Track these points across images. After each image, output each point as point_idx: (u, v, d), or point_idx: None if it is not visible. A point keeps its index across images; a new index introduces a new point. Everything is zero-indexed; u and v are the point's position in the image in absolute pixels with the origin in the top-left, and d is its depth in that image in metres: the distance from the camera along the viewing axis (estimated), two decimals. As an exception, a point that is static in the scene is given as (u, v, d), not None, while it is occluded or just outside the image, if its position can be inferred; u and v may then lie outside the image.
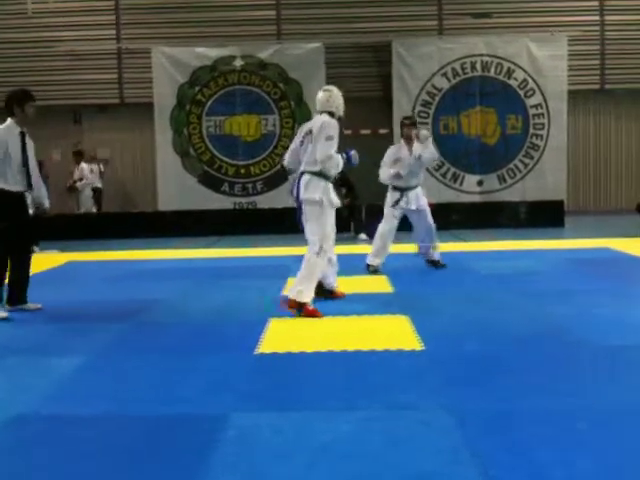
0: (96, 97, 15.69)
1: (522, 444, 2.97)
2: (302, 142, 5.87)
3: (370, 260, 7.70)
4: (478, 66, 14.83)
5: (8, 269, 6.00)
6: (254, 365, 4.32)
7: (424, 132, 7.95)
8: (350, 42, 15.35)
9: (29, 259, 6.19)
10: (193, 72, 14.73)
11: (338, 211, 6.05)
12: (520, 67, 14.76)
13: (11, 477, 2.83)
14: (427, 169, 14.67)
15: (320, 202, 5.67)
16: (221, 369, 4.21)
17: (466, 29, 15.25)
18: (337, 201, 5.89)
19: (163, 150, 14.80)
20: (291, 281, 7.00)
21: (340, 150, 5.81)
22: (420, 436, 3.09)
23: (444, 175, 14.81)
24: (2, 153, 5.80)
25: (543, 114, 14.82)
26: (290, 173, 6.47)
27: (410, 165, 7.61)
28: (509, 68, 14.79)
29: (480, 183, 14.87)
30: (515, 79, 14.79)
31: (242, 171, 14.93)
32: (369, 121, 14.76)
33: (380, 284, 7.06)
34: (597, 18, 15.54)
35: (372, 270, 7.63)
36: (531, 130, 14.84)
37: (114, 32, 15.70)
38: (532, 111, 14.83)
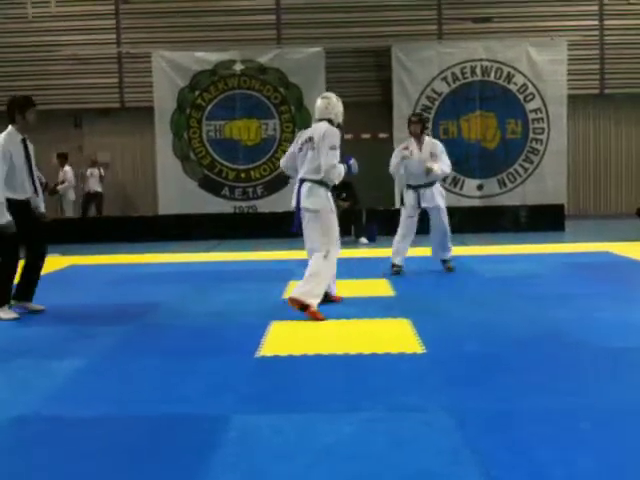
0: (97, 101, 15.72)
1: (523, 443, 2.98)
2: (301, 149, 5.87)
3: (393, 260, 7.77)
4: (478, 71, 14.87)
5: (18, 270, 6.06)
6: (255, 367, 4.32)
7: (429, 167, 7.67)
8: (350, 47, 15.39)
9: (42, 262, 6.24)
10: (193, 76, 14.76)
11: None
12: (520, 72, 14.80)
13: (12, 477, 2.83)
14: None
15: (323, 210, 5.72)
16: (222, 371, 4.21)
17: (466, 34, 15.30)
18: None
19: (163, 154, 14.82)
20: (293, 284, 7.02)
21: (340, 157, 5.82)
22: (422, 437, 3.10)
23: (444, 179, 14.74)
24: (7, 162, 5.78)
25: (543, 118, 14.85)
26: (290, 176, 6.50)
27: (419, 162, 7.58)
28: (509, 73, 14.83)
29: (480, 187, 14.89)
30: (515, 84, 14.83)
31: (242, 175, 14.95)
32: (369, 126, 14.79)
33: (381, 287, 7.07)
34: (596, 23, 15.59)
35: (395, 270, 7.68)
36: (531, 134, 14.87)
37: (115, 36, 15.74)
38: (532, 115, 14.86)
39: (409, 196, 7.74)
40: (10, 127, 5.92)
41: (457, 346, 4.70)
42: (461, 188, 14.88)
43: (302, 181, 5.80)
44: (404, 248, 7.77)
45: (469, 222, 12.58)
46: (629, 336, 4.85)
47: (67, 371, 4.30)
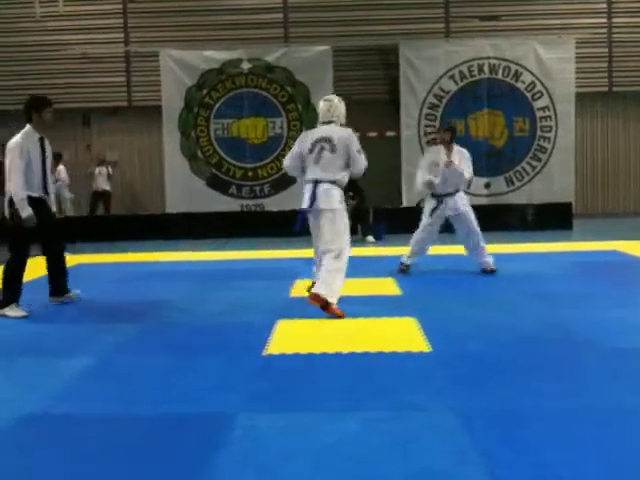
0: (105, 100, 15.77)
1: (529, 444, 2.98)
2: (311, 150, 5.88)
3: (404, 259, 7.75)
4: (485, 69, 14.82)
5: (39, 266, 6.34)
6: (262, 366, 4.33)
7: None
8: (357, 45, 15.37)
9: (62, 254, 6.43)
10: (201, 75, 14.77)
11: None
12: (528, 70, 14.74)
13: (19, 476, 2.86)
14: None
15: (339, 210, 5.82)
16: (229, 370, 4.23)
17: (473, 32, 15.25)
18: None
19: (171, 153, 14.85)
20: (300, 283, 7.04)
21: None
22: (427, 436, 3.10)
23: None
24: (25, 160, 5.91)
25: (551, 116, 14.79)
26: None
27: (446, 171, 7.52)
28: (516, 71, 14.77)
29: (487, 185, 14.85)
30: (522, 82, 14.78)
31: (250, 174, 14.97)
32: (376, 124, 14.78)
33: (388, 286, 7.08)
34: (605, 20, 15.52)
35: (402, 269, 7.70)
36: (539, 132, 14.81)
37: (122, 35, 15.78)
38: (539, 113, 14.80)
39: (431, 204, 7.66)
40: (28, 126, 6.05)
41: (463, 345, 4.69)
42: (468, 186, 14.80)
43: (316, 182, 5.82)
44: (420, 251, 7.73)
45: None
46: (635, 336, 4.83)
47: (74, 369, 4.32)
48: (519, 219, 13.01)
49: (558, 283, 7.08)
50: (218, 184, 14.90)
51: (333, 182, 5.81)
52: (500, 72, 14.79)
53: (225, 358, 4.50)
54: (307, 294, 5.86)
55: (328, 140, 5.83)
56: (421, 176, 7.67)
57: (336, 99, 6.10)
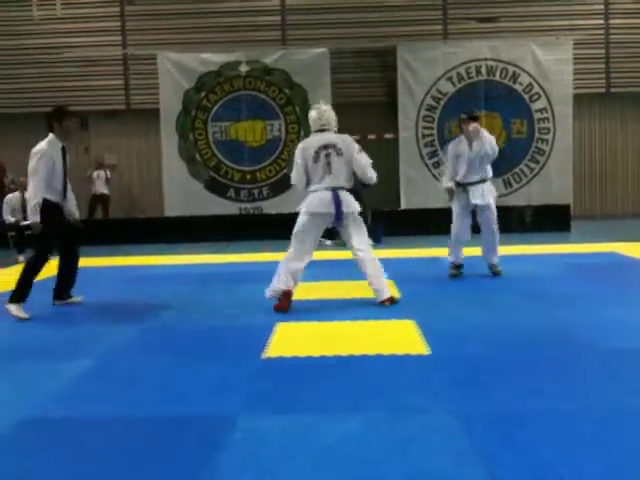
0: (103, 103, 15.78)
1: (528, 445, 2.99)
2: (316, 159, 5.92)
3: (451, 260, 7.70)
4: (483, 70, 14.85)
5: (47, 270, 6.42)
6: (261, 369, 4.34)
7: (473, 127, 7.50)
8: (355, 47, 15.39)
9: (76, 261, 6.59)
10: (199, 78, 14.79)
11: None
12: (525, 71, 14.78)
13: (20, 478, 2.86)
14: (432, 174, 14.82)
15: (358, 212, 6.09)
16: (228, 372, 4.24)
17: (471, 33, 15.28)
18: None
19: (169, 156, 14.86)
20: (299, 285, 7.04)
21: None
22: (426, 438, 3.11)
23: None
24: (51, 167, 6.13)
25: (548, 118, 14.82)
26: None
27: (470, 160, 7.42)
28: (514, 72, 14.81)
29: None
30: (520, 83, 14.81)
31: (248, 177, 14.97)
32: (374, 126, 14.79)
33: (386, 288, 7.07)
34: (602, 22, 15.55)
35: (452, 274, 7.64)
36: (536, 134, 14.85)
37: (120, 38, 15.79)
38: (537, 115, 14.83)
39: (459, 194, 7.58)
40: (51, 135, 6.26)
41: (462, 347, 4.70)
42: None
43: (336, 189, 5.94)
44: (457, 249, 7.65)
45: (474, 222, 12.56)
46: (633, 337, 4.84)
47: (74, 372, 4.33)
48: (517, 221, 13.02)
49: (557, 284, 7.09)
50: (216, 187, 14.91)
51: (346, 188, 6.04)
52: (498, 74, 14.82)
53: (225, 360, 4.51)
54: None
55: (332, 146, 5.93)
56: (446, 178, 7.67)
57: (324, 106, 6.16)
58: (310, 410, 3.53)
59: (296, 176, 6.07)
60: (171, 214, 14.37)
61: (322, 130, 6.05)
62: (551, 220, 12.95)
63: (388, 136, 14.84)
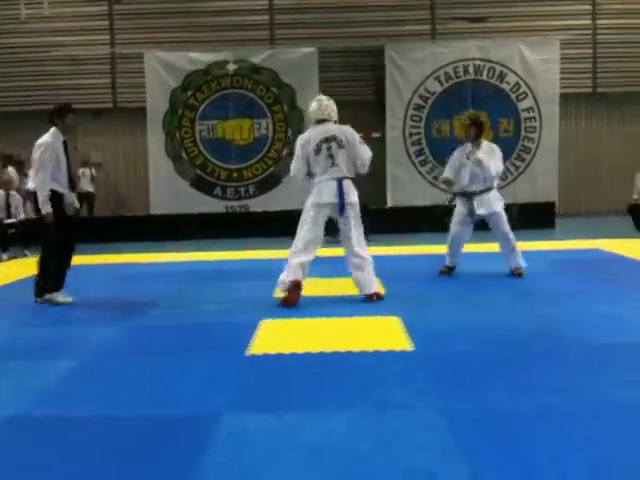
0: (89, 102, 15.68)
1: (512, 442, 3.00)
2: (318, 150, 5.98)
3: (447, 261, 7.61)
4: (471, 70, 14.90)
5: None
6: (245, 366, 4.32)
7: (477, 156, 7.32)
8: (343, 47, 15.39)
9: (70, 257, 6.70)
10: (186, 76, 14.75)
11: None
12: (512, 71, 14.83)
13: (4, 477, 2.83)
14: (419, 171, 14.85)
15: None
16: (213, 370, 4.22)
17: (458, 33, 15.32)
18: None
19: (155, 154, 14.81)
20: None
21: None
22: (410, 435, 3.10)
23: (436, 178, 14.85)
24: (55, 158, 6.34)
25: (535, 117, 14.89)
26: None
27: (473, 169, 7.26)
28: (501, 72, 14.86)
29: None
30: (507, 83, 14.86)
31: (235, 175, 14.94)
32: (362, 125, 14.62)
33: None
34: (589, 22, 15.63)
35: (442, 271, 7.59)
36: (523, 133, 14.91)
37: (108, 37, 15.71)
38: (524, 114, 14.89)
39: (460, 204, 7.46)
40: (54, 129, 6.49)
41: (446, 343, 4.71)
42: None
43: (341, 179, 6.00)
44: (455, 250, 7.53)
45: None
46: (618, 332, 4.87)
47: (59, 371, 4.29)
48: (503, 219, 13.04)
49: (543, 281, 7.12)
50: (203, 185, 14.87)
51: (350, 177, 6.12)
52: (485, 73, 14.87)
53: (209, 358, 4.49)
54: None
55: (333, 138, 6.00)
56: (444, 173, 7.60)
57: (324, 98, 6.24)
58: (295, 407, 3.52)
59: (295, 167, 6.14)
60: (157, 212, 14.32)
61: (322, 121, 6.09)
62: (536, 217, 12.99)
63: (376, 135, 14.83)
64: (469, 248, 7.83)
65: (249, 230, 12.76)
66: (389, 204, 14.59)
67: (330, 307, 5.94)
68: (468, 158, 7.27)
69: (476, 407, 3.45)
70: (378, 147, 14.83)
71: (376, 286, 6.21)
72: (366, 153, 6.15)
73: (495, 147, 7.46)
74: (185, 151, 14.89)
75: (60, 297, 6.49)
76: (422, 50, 14.89)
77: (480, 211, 7.33)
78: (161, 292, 7.08)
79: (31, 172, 6.60)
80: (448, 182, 7.47)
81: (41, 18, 15.18)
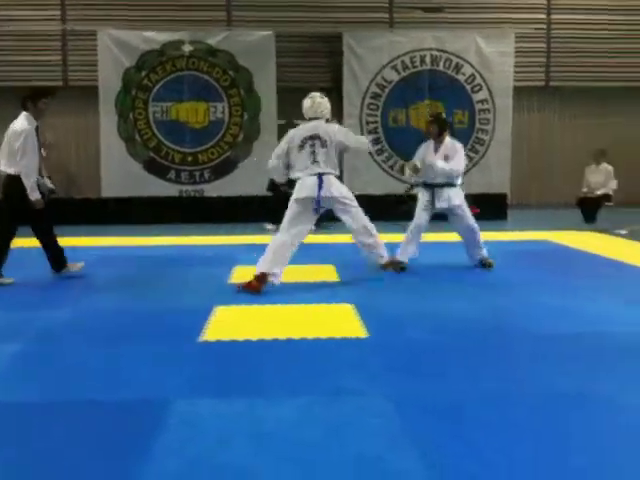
0: (39, 79, 15.21)
1: (461, 429, 3.04)
2: (302, 146, 6.23)
3: (399, 256, 7.39)
4: (427, 60, 14.97)
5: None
6: (198, 352, 4.29)
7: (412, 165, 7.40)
8: (301, 31, 15.28)
9: (49, 233, 6.93)
10: (140, 56, 14.45)
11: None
12: (468, 62, 14.96)
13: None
14: (375, 160, 14.88)
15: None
16: (165, 356, 4.18)
17: (416, 23, 15.36)
18: None
19: (107, 135, 14.49)
20: (238, 269, 7.00)
21: None
22: (361, 422, 3.13)
23: (392, 167, 14.94)
24: (33, 143, 6.36)
25: (489, 109, 15.06)
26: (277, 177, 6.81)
27: (430, 166, 7.26)
28: (457, 63, 14.97)
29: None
30: (463, 74, 14.99)
31: (189, 159, 14.74)
32: (319, 111, 14.72)
33: (327, 273, 7.10)
34: (544, 16, 15.86)
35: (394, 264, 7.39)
36: (477, 125, 15.08)
37: (59, 13, 15.28)
38: (478, 106, 15.06)
39: (423, 194, 7.48)
40: (26, 113, 6.43)
41: (400, 332, 4.75)
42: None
43: (322, 175, 6.24)
44: (414, 240, 7.44)
45: (414, 209, 12.69)
46: (568, 322, 4.97)
47: (4, 355, 4.19)
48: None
49: (495, 271, 7.22)
50: (156, 168, 14.62)
51: (334, 174, 6.40)
52: (441, 64, 14.96)
53: (161, 344, 4.44)
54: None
55: (316, 137, 6.26)
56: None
57: (318, 96, 6.49)
58: (247, 394, 3.51)
59: (275, 154, 6.42)
60: (109, 194, 14.03)
61: (314, 119, 6.37)
62: (489, 208, 13.10)
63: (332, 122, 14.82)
64: (421, 239, 7.86)
65: (204, 215, 12.62)
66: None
67: (286, 294, 5.92)
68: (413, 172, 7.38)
69: (426, 394, 3.50)
70: (334, 134, 14.86)
71: (386, 258, 6.71)
72: (351, 136, 6.57)
73: (458, 146, 7.40)
74: (138, 133, 14.61)
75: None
76: (380, 38, 14.90)
77: (441, 204, 7.35)
78: (113, 277, 6.97)
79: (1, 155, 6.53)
80: (415, 169, 7.42)
81: (-10, -9, 14.68)
